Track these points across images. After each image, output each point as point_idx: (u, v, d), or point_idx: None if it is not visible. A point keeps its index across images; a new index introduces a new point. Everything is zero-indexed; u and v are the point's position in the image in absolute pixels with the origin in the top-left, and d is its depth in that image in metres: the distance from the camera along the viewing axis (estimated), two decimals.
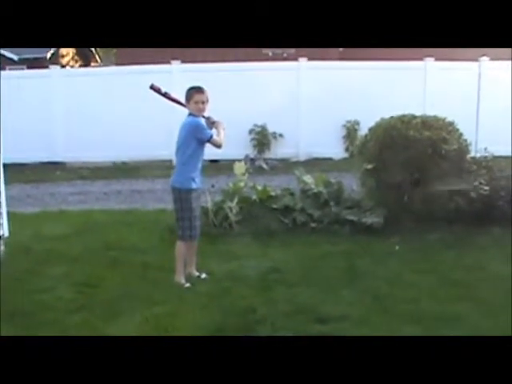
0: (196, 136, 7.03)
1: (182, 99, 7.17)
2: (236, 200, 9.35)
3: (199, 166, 7.23)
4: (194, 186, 7.15)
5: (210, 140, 7.07)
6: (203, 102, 7.09)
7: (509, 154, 13.69)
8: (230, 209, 9.21)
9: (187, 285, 7.09)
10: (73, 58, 33.80)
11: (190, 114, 7.12)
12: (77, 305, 6.53)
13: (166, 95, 7.26)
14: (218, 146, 7.18)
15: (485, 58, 16.89)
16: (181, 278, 7.18)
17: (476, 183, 9.41)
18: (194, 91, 7.12)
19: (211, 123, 7.21)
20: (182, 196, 7.12)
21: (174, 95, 7.29)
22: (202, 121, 7.13)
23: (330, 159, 16.69)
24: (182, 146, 7.13)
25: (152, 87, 7.22)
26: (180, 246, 7.24)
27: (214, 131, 7.18)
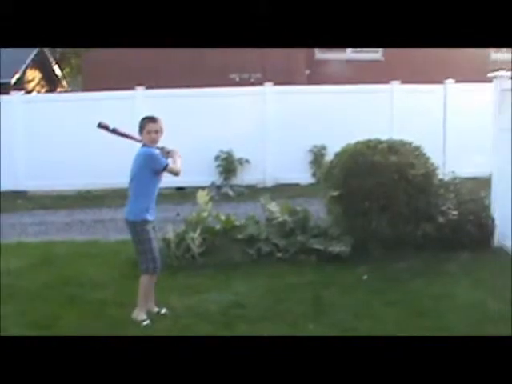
0: (150, 166, 6.84)
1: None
2: (199, 231, 9.06)
3: (154, 197, 7.02)
4: (148, 217, 6.92)
5: (165, 169, 6.87)
6: (156, 132, 6.89)
7: (477, 175, 13.60)
8: (193, 240, 8.94)
9: (146, 322, 6.80)
10: (39, 83, 33.45)
11: (143, 145, 6.89)
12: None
13: (115, 132, 7.03)
14: (176, 173, 6.99)
15: (450, 81, 16.86)
16: (142, 315, 6.90)
17: (444, 208, 9.27)
18: (147, 121, 6.95)
19: (166, 153, 6.99)
20: (138, 228, 6.90)
21: (123, 130, 7.05)
22: (157, 151, 6.90)
23: (297, 185, 16.47)
24: (135, 177, 6.93)
25: (100, 125, 6.99)
26: (144, 280, 6.98)
27: (170, 160, 6.94)
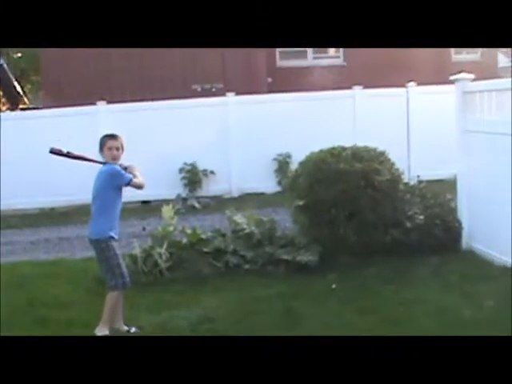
0: (115, 183, 6.82)
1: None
2: (165, 245, 8.97)
3: (118, 214, 6.99)
4: (113, 234, 6.88)
5: (130, 183, 6.84)
6: (118, 149, 6.88)
7: (442, 177, 13.70)
8: (160, 255, 8.84)
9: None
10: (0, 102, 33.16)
11: (105, 163, 6.83)
12: None
13: (68, 155, 6.96)
14: (140, 187, 7.01)
15: (412, 84, 16.91)
16: (105, 330, 6.80)
17: (411, 213, 9.27)
18: (107, 138, 6.95)
19: (124, 169, 6.93)
20: (103, 245, 6.85)
21: (77, 153, 6.98)
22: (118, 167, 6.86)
23: (263, 194, 16.42)
24: (99, 195, 6.90)
25: (52, 151, 6.91)
26: (113, 296, 6.89)
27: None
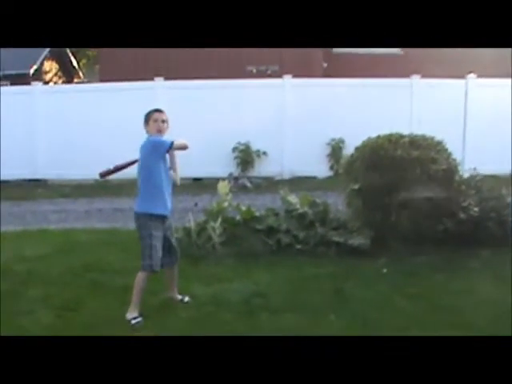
0: (158, 152, 6.66)
1: None
2: (219, 220, 9.11)
3: (165, 188, 6.79)
4: (157, 210, 6.74)
5: (172, 146, 6.64)
6: (163, 121, 6.76)
7: (496, 172, 13.58)
8: (214, 229, 8.98)
9: (136, 320, 6.55)
10: (56, 74, 33.58)
11: (148, 137, 6.79)
12: (55, 330, 6.25)
13: (118, 169, 6.83)
14: (184, 147, 6.78)
15: (472, 76, 16.75)
16: (133, 313, 6.63)
17: (465, 204, 9.23)
18: (153, 111, 6.82)
19: None
20: (141, 221, 6.71)
21: (121, 163, 6.84)
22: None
23: (314, 178, 16.50)
24: (143, 168, 6.75)
25: (101, 175, 6.87)
26: (139, 277, 6.73)
27: None
